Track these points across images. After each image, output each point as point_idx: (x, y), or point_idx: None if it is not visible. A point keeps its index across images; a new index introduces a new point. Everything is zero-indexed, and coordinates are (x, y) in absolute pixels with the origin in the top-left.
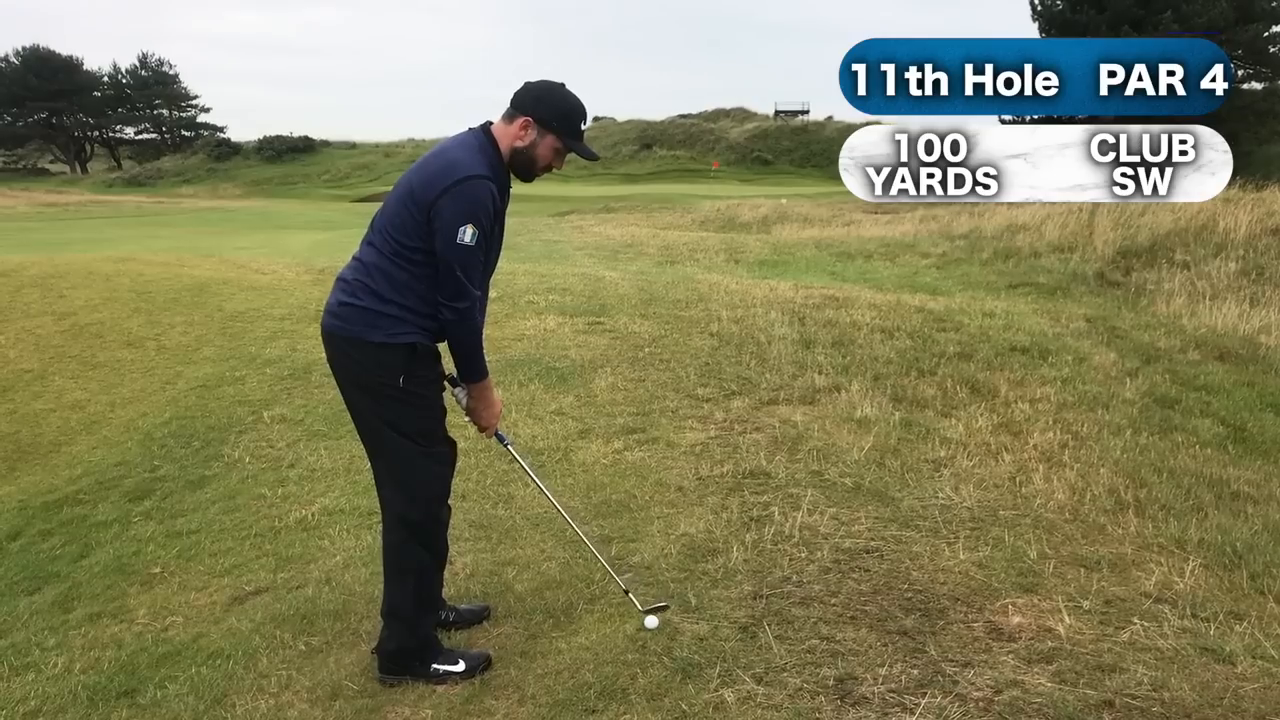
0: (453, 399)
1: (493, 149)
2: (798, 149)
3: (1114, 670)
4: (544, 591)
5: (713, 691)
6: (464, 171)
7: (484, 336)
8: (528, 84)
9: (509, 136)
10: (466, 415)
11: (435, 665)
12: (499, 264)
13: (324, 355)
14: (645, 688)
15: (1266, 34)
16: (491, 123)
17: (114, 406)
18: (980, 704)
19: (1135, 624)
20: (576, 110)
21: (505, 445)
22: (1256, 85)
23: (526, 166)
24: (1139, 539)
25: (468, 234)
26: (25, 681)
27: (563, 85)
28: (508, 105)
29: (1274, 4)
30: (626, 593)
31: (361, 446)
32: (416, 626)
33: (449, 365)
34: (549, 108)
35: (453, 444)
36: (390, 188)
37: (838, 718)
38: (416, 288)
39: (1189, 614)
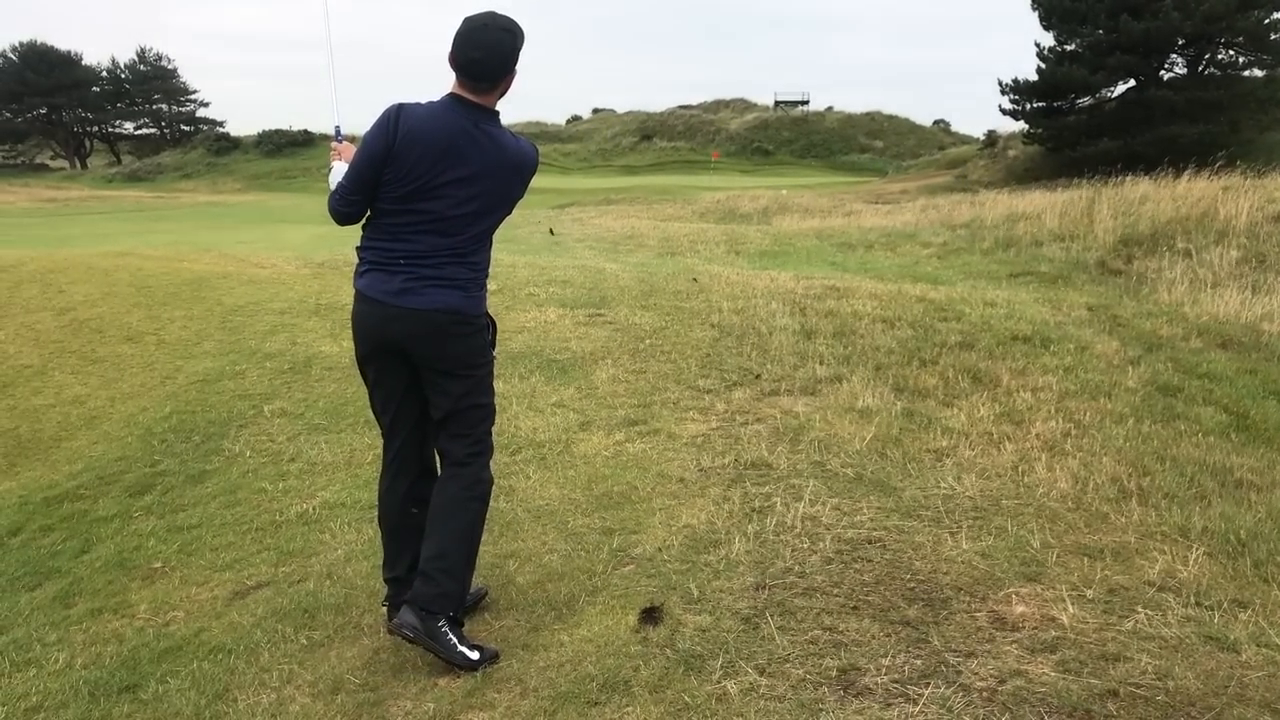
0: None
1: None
2: (798, 139)
3: (1118, 659)
4: (545, 584)
5: (715, 683)
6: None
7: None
8: None
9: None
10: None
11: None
12: (494, 256)
13: (325, 349)
14: (648, 680)
15: (1267, 21)
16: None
17: (114, 401)
18: (984, 694)
19: (1139, 613)
20: (462, 36)
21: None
22: (1258, 73)
23: None
24: (1142, 527)
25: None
26: (26, 677)
27: (470, 18)
28: None
29: None
30: None
31: (361, 440)
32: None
33: None
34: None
35: (405, 453)
36: None
37: (841, 708)
38: (366, 230)
39: (1193, 602)
